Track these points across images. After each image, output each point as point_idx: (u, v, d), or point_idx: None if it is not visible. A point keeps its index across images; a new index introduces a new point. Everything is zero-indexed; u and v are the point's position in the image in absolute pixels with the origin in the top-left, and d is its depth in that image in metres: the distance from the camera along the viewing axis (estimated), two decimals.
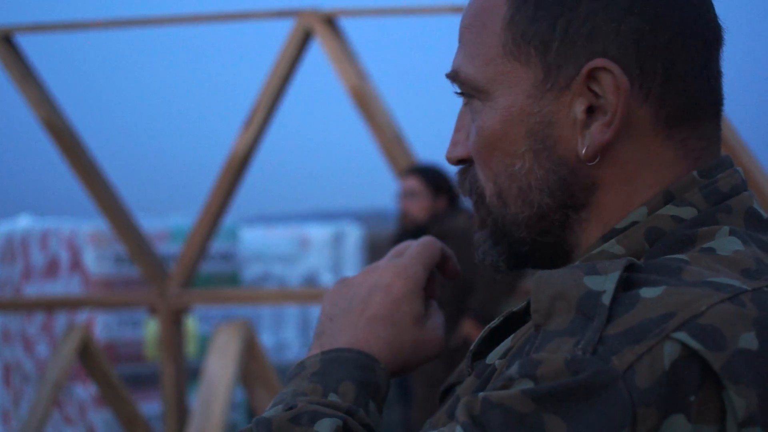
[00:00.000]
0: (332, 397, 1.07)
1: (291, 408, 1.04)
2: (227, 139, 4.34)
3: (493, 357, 0.97)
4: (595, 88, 0.99)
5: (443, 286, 5.02)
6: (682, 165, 1.02)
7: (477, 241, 1.08)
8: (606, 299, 0.88)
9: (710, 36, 1.03)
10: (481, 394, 0.87)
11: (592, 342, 0.86)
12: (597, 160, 0.99)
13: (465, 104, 1.08)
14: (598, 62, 0.98)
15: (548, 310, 0.89)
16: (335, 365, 1.10)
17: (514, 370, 0.87)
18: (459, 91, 1.07)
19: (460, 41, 1.07)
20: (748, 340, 0.87)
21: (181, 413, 4.37)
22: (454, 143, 1.09)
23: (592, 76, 0.99)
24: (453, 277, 1.21)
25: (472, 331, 4.75)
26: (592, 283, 0.89)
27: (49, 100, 4.35)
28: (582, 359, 0.85)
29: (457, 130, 1.09)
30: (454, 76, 1.07)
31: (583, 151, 1.00)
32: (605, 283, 0.89)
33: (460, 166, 1.09)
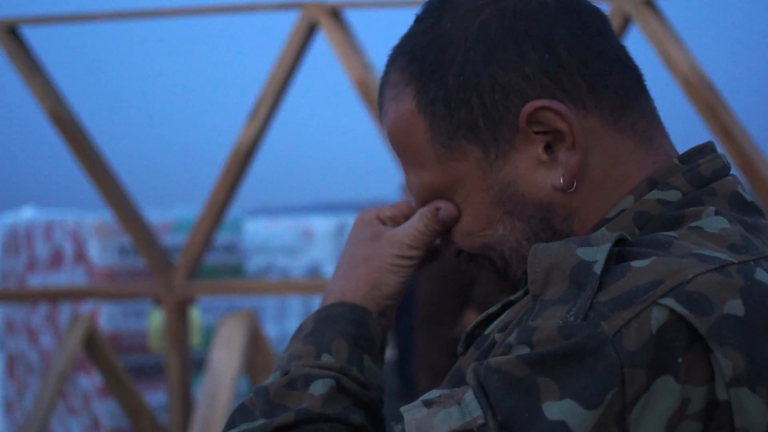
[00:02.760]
0: (325, 358, 1.10)
1: (286, 373, 1.08)
2: (232, 131, 4.35)
3: (491, 329, 1.01)
4: (540, 128, 1.03)
5: (445, 276, 5.03)
6: (645, 148, 1.06)
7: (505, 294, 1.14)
8: (597, 269, 0.92)
9: (597, 22, 1.07)
10: (485, 361, 0.92)
11: (583, 309, 0.90)
12: (574, 185, 1.03)
13: (424, 223, 1.13)
14: (528, 108, 1.04)
15: (544, 280, 0.94)
16: (327, 323, 1.13)
17: (512, 337, 0.92)
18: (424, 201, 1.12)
19: (401, 164, 1.12)
20: (734, 307, 0.90)
21: (186, 404, 4.38)
22: (443, 245, 1.15)
23: (531, 121, 1.03)
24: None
25: None
26: (585, 254, 0.94)
27: (55, 92, 4.36)
28: (573, 325, 0.89)
29: (425, 243, 1.15)
30: (412, 195, 1.13)
31: (561, 181, 1.04)
32: (597, 254, 0.93)
33: (465, 254, 1.14)
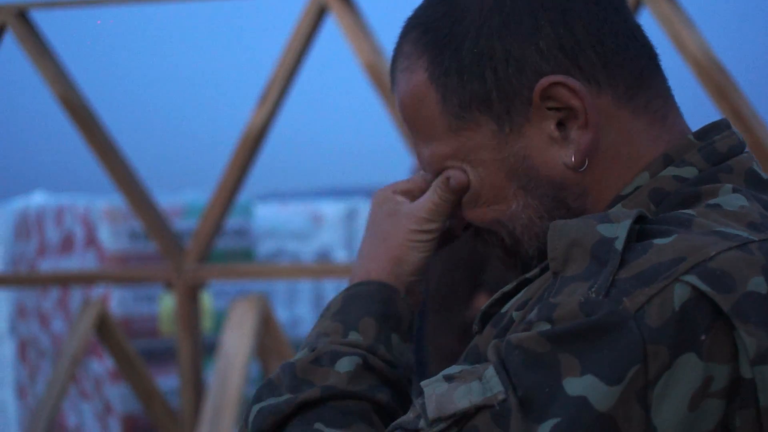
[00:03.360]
0: (353, 335, 1.10)
1: (314, 350, 1.08)
2: (242, 115, 4.35)
3: (509, 308, 1.01)
4: (553, 104, 1.03)
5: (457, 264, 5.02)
6: (654, 129, 1.06)
7: (514, 274, 1.12)
8: (619, 245, 0.92)
9: None
10: (506, 338, 0.92)
11: (605, 285, 0.90)
12: (586, 164, 1.03)
13: (440, 195, 1.13)
14: (543, 82, 1.03)
15: (565, 257, 0.93)
16: (355, 302, 1.13)
17: (533, 314, 0.92)
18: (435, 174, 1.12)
19: (412, 136, 1.12)
20: (757, 284, 0.90)
21: (197, 388, 4.40)
22: (453, 219, 1.15)
23: (544, 96, 1.03)
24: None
25: None
26: (605, 230, 0.93)
27: (65, 76, 4.37)
28: (595, 301, 0.89)
29: (442, 215, 1.14)
30: (424, 168, 1.12)
31: (572, 160, 1.04)
32: (618, 230, 0.93)
33: (472, 229, 1.14)
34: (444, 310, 5.07)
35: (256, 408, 1.07)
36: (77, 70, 4.52)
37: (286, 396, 1.06)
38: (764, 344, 0.89)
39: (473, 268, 4.83)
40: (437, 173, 1.12)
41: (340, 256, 11.24)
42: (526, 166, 1.05)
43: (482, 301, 4.78)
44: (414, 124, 1.10)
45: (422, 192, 1.17)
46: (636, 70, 1.05)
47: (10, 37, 4.37)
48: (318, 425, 1.04)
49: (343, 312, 1.12)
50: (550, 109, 1.03)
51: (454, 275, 4.98)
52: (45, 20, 4.44)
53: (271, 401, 1.06)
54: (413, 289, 1.16)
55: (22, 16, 4.35)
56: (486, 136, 1.06)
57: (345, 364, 1.07)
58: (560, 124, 1.04)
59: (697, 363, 0.88)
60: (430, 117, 1.08)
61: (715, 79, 3.46)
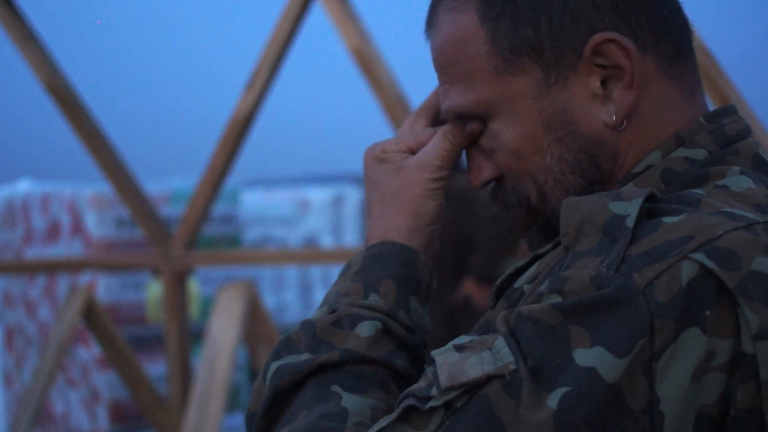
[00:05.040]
0: (373, 298, 1.12)
1: (334, 311, 1.10)
2: (229, 101, 4.35)
3: (520, 282, 1.03)
4: (602, 61, 1.05)
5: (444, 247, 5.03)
6: (684, 102, 1.08)
7: (529, 238, 1.14)
8: (630, 222, 0.94)
9: None
10: (516, 309, 0.93)
11: (616, 260, 0.92)
12: (624, 124, 1.04)
13: (472, 143, 1.13)
14: (599, 37, 1.05)
15: (577, 232, 0.95)
16: (376, 262, 1.14)
17: (544, 286, 0.93)
18: (466, 128, 1.12)
19: (446, 80, 1.12)
20: (762, 264, 0.92)
21: (185, 374, 4.40)
22: (477, 169, 1.15)
23: (596, 52, 1.05)
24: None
25: (472, 290, 4.76)
26: (617, 207, 0.95)
27: (51, 61, 4.35)
28: (606, 276, 0.91)
29: (470, 159, 1.15)
30: (457, 117, 1.12)
31: (613, 119, 1.05)
32: (629, 208, 0.95)
33: (491, 187, 1.15)
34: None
35: (275, 365, 1.08)
36: (63, 55, 4.51)
37: (306, 356, 1.07)
38: (766, 321, 0.91)
39: (460, 253, 4.84)
40: (459, 119, 1.12)
41: (327, 241, 11.25)
42: (565, 119, 1.06)
43: (468, 286, 4.78)
44: (453, 63, 1.10)
45: (420, 146, 1.18)
46: (678, 42, 1.08)
47: None
48: (335, 388, 1.05)
49: (364, 272, 1.13)
50: (597, 65, 1.05)
51: (440, 260, 4.99)
52: (31, 6, 4.42)
53: (290, 360, 1.07)
54: (432, 239, 1.18)
55: (7, 1, 4.33)
56: (530, 84, 1.07)
57: (366, 329, 1.08)
58: (603, 82, 1.06)
59: (701, 337, 0.90)
60: (475, 57, 1.08)
61: (702, 63, 3.46)
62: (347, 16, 4.03)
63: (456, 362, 0.93)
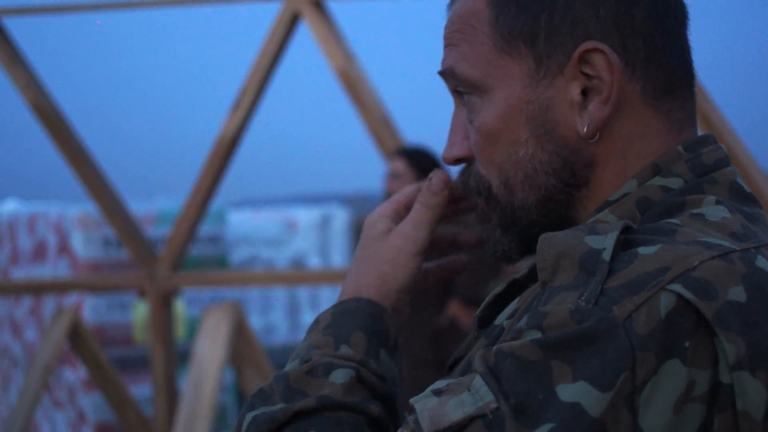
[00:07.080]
0: (344, 349, 1.12)
1: (307, 362, 1.10)
2: (215, 122, 4.35)
3: (501, 318, 1.03)
4: (587, 70, 1.06)
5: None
6: (669, 136, 1.08)
7: (485, 234, 1.14)
8: (606, 255, 0.94)
9: (679, 10, 1.10)
10: (495, 347, 0.93)
11: (594, 294, 0.92)
12: (596, 137, 1.04)
13: (459, 105, 1.14)
14: (589, 45, 1.05)
15: (554, 267, 0.95)
16: (345, 316, 1.15)
17: (523, 322, 0.93)
18: (454, 89, 1.13)
19: (449, 43, 1.13)
20: (737, 293, 0.93)
21: (171, 395, 4.39)
22: (451, 144, 1.15)
23: (583, 59, 1.06)
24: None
25: (458, 312, 4.77)
26: (593, 241, 0.96)
27: (37, 83, 4.35)
28: (585, 309, 0.91)
29: (452, 131, 1.15)
30: (450, 73, 1.12)
31: (585, 130, 1.06)
32: (605, 242, 0.95)
33: (460, 168, 1.15)
34: (415, 317, 5.08)
35: (250, 416, 1.08)
36: (49, 76, 4.51)
37: (281, 405, 1.07)
38: (742, 351, 0.91)
39: None
40: (454, 80, 1.12)
41: (315, 262, 11.23)
42: (547, 118, 1.07)
43: (453, 308, 4.79)
44: (459, 30, 1.11)
45: (408, 209, 1.20)
46: (670, 78, 1.08)
47: None
48: None
49: (334, 326, 1.14)
50: (583, 73, 1.06)
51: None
52: (17, 27, 4.42)
53: (266, 410, 1.07)
54: (400, 307, 1.19)
55: None
56: (522, 71, 1.07)
57: (340, 376, 1.09)
58: (584, 92, 1.06)
59: (681, 368, 0.90)
60: (479, 28, 1.09)
61: None
62: (333, 38, 4.05)
63: (436, 407, 0.93)
